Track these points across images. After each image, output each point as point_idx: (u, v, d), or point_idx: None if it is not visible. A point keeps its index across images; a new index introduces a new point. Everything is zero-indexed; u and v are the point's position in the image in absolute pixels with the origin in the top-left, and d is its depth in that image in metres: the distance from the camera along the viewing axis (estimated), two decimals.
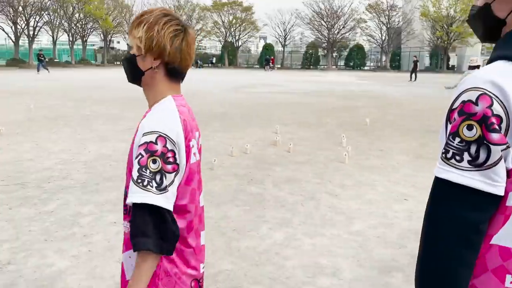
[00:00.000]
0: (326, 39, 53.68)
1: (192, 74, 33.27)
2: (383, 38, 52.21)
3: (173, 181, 1.28)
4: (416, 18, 48.60)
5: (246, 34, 56.16)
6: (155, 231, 1.22)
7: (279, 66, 54.18)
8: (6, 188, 5.09)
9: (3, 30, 42.34)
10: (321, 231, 4.06)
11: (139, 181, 1.22)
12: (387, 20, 51.64)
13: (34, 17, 43.07)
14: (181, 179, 1.33)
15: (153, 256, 1.24)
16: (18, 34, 42.70)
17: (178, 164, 1.29)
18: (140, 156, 1.24)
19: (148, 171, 1.23)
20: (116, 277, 3.11)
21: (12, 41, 43.14)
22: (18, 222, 4.09)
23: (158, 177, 1.23)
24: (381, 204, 4.84)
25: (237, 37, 55.39)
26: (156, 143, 1.24)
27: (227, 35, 55.40)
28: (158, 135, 1.25)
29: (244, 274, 3.23)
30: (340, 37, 53.84)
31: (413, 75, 29.51)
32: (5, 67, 37.88)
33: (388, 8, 51.21)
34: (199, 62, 51.83)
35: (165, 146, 1.25)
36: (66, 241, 3.69)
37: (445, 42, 46.33)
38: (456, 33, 44.95)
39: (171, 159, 1.26)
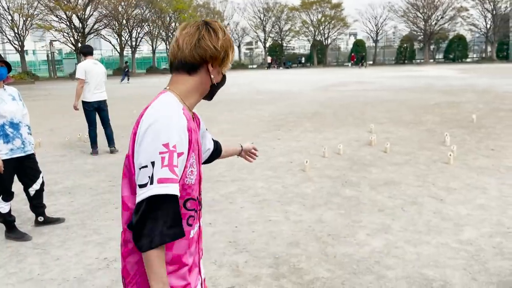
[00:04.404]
0: (423, 31, 50.59)
1: (280, 75, 33.52)
2: (488, 26, 47.75)
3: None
4: None
5: (335, 32, 55.11)
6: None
7: (371, 62, 52.23)
8: (113, 188, 5.47)
9: (110, 42, 46.97)
10: (426, 239, 3.71)
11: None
12: (492, 6, 47.11)
13: (136, 28, 46.86)
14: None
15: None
16: (123, 45, 46.73)
17: None
18: None
19: None
20: (213, 279, 3.12)
21: (118, 52, 47.30)
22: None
23: None
24: (495, 210, 4.32)
25: (326, 35, 54.56)
26: None
27: (316, 33, 54.82)
28: None
29: (341, 283, 3.05)
30: (438, 29, 50.36)
31: None
32: (112, 76, 41.56)
33: None
34: (286, 63, 51.90)
35: None
36: None
37: None
38: None
39: None
